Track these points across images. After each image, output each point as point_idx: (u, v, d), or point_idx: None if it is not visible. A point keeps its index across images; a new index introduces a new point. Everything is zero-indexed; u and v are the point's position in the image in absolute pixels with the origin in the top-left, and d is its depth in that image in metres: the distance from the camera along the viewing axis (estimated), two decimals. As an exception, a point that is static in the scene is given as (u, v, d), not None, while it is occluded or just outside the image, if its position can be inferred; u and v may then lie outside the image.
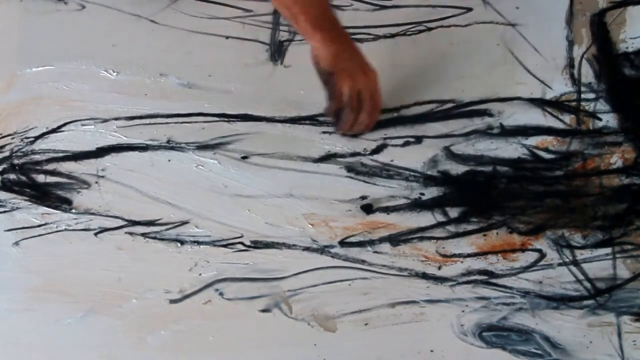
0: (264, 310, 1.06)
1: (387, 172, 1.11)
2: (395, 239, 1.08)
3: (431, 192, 1.10)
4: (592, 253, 1.05)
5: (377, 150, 1.13)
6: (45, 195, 1.15)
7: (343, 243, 1.08)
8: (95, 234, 1.12)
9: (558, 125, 1.12)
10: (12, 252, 1.12)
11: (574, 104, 1.12)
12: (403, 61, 1.18)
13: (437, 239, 1.08)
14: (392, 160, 1.12)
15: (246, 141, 1.15)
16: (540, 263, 1.05)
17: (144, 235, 1.11)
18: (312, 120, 1.15)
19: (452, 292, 1.05)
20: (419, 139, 1.13)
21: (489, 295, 1.04)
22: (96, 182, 1.14)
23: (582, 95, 1.13)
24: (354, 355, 1.04)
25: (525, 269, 1.05)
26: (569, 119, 1.12)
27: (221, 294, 1.07)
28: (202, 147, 1.15)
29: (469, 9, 1.20)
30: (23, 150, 1.18)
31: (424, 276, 1.06)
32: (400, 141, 1.13)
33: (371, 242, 1.08)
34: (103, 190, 1.14)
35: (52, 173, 1.16)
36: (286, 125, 1.15)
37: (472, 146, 1.12)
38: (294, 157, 1.13)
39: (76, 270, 1.10)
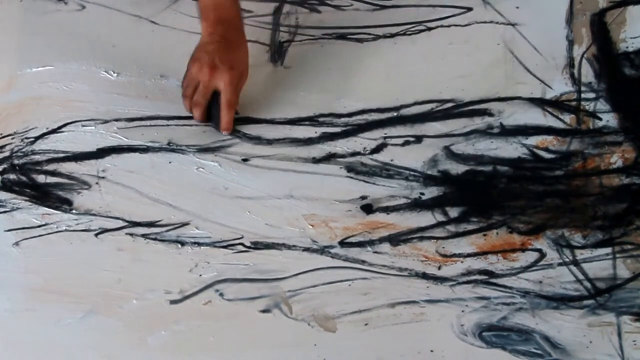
0: (264, 311, 1.06)
1: (387, 171, 1.11)
2: (395, 239, 1.08)
3: (431, 192, 1.10)
4: (592, 253, 1.05)
5: (377, 149, 1.13)
6: (45, 196, 1.15)
7: (343, 243, 1.08)
8: (96, 235, 1.12)
9: (558, 125, 1.12)
10: (12, 252, 1.12)
11: (574, 103, 1.13)
12: (403, 61, 1.18)
13: (437, 238, 1.08)
14: (392, 160, 1.12)
15: (246, 143, 1.15)
16: (540, 263, 1.05)
17: (144, 236, 1.11)
18: (312, 121, 1.15)
19: (452, 292, 1.05)
20: (419, 139, 1.13)
21: (489, 295, 1.04)
22: (97, 183, 1.15)
23: (582, 95, 1.13)
24: (354, 355, 1.03)
25: (525, 269, 1.05)
26: (569, 118, 1.12)
27: (221, 294, 1.07)
28: (203, 149, 1.15)
29: (469, 9, 1.20)
30: (23, 150, 1.18)
31: (424, 276, 1.06)
32: (400, 141, 1.13)
33: (371, 242, 1.08)
34: (104, 191, 1.14)
35: (53, 173, 1.16)
36: (286, 126, 1.15)
37: (472, 146, 1.12)
38: (294, 158, 1.13)
39: (76, 270, 1.10)
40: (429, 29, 1.20)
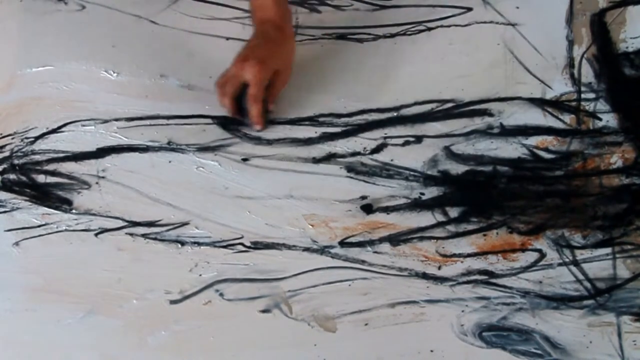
0: (264, 311, 1.06)
1: (387, 171, 1.11)
2: (395, 239, 1.08)
3: (431, 192, 1.10)
4: (592, 253, 1.05)
5: (377, 149, 1.13)
6: (45, 196, 1.15)
7: (343, 243, 1.08)
8: (96, 235, 1.12)
9: (558, 125, 1.12)
10: (12, 252, 1.12)
11: (574, 103, 1.13)
12: (403, 61, 1.18)
13: (437, 238, 1.08)
14: (392, 160, 1.12)
15: (246, 143, 1.15)
16: (540, 263, 1.05)
17: (144, 236, 1.11)
18: (312, 120, 1.15)
19: (452, 292, 1.05)
20: (419, 139, 1.13)
21: (489, 295, 1.04)
22: (97, 183, 1.15)
23: (582, 95, 1.13)
24: (354, 355, 1.04)
25: (525, 269, 1.05)
26: (569, 118, 1.12)
27: (221, 294, 1.07)
28: (203, 149, 1.15)
29: (469, 9, 1.20)
30: (23, 150, 1.18)
31: (424, 276, 1.06)
32: (400, 141, 1.13)
33: (371, 242, 1.08)
34: (103, 191, 1.14)
35: (53, 173, 1.16)
36: (286, 126, 1.15)
37: (472, 146, 1.12)
38: (294, 158, 1.13)
39: (76, 270, 1.10)
40: (429, 29, 1.20)
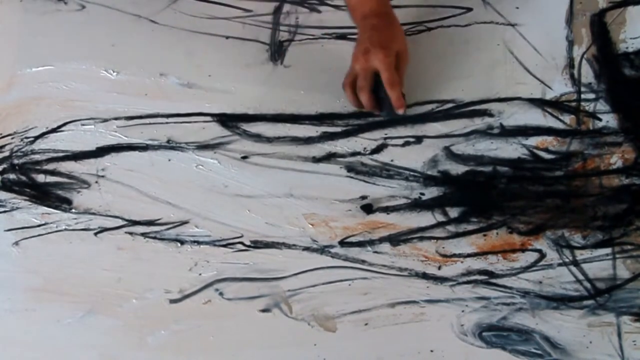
0: (264, 310, 1.06)
1: (387, 172, 1.11)
2: (395, 239, 1.08)
3: (431, 192, 1.10)
4: (592, 253, 1.05)
5: (377, 150, 1.13)
6: (45, 195, 1.15)
7: (343, 243, 1.08)
8: (95, 234, 1.12)
9: (558, 125, 1.12)
10: (12, 252, 1.12)
11: (574, 104, 1.12)
12: (403, 61, 1.18)
13: (437, 239, 1.08)
14: (392, 160, 1.12)
15: (246, 141, 1.15)
16: (540, 263, 1.05)
17: (144, 235, 1.11)
18: (312, 120, 1.15)
19: (452, 292, 1.05)
20: (419, 139, 1.13)
21: (489, 295, 1.04)
22: (96, 182, 1.14)
23: (582, 96, 1.13)
24: (354, 355, 1.04)
25: (525, 269, 1.05)
26: (569, 119, 1.12)
27: (221, 293, 1.07)
28: (202, 147, 1.15)
29: (469, 9, 1.20)
30: (23, 150, 1.18)
31: (424, 276, 1.06)
32: (400, 141, 1.13)
33: (371, 242, 1.08)
34: (103, 190, 1.14)
35: (52, 173, 1.16)
36: (286, 125, 1.15)
37: (472, 146, 1.12)
38: (294, 157, 1.13)
39: (76, 270, 1.10)
40: (429, 29, 1.20)
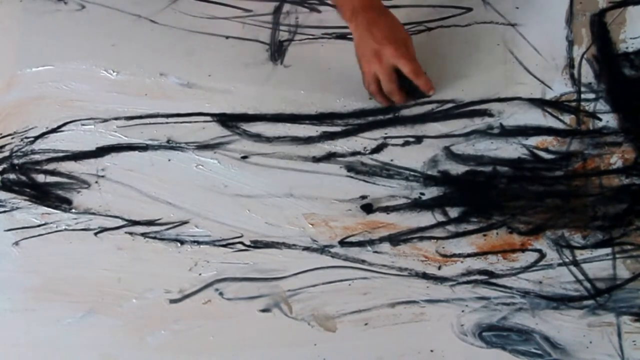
0: (264, 310, 1.06)
1: (387, 171, 1.11)
2: (395, 239, 1.08)
3: (431, 192, 1.10)
4: (592, 253, 1.05)
5: (377, 149, 1.13)
6: (45, 195, 1.15)
7: (343, 243, 1.08)
8: (95, 234, 1.12)
9: (558, 125, 1.12)
10: (12, 252, 1.12)
11: (574, 104, 1.12)
12: (403, 61, 1.18)
13: (437, 238, 1.08)
14: (392, 160, 1.12)
15: (246, 141, 1.15)
16: (540, 263, 1.05)
17: (143, 235, 1.11)
18: (312, 120, 1.15)
19: (452, 292, 1.05)
20: (419, 139, 1.13)
21: (489, 295, 1.04)
22: (96, 182, 1.15)
23: (582, 96, 1.13)
24: (354, 355, 1.04)
25: (525, 269, 1.05)
26: (569, 119, 1.12)
27: (221, 293, 1.07)
28: (202, 146, 1.15)
29: (469, 9, 1.20)
30: (23, 150, 1.18)
31: (424, 276, 1.06)
32: (400, 141, 1.13)
33: (371, 242, 1.08)
34: (103, 190, 1.14)
35: (52, 173, 1.16)
36: (286, 125, 1.15)
37: (472, 146, 1.12)
38: (294, 156, 1.13)
39: (76, 270, 1.10)
40: (429, 29, 1.20)
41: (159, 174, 1.14)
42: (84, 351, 1.07)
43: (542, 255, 1.05)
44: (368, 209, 1.09)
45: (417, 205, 1.09)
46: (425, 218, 1.09)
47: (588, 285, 1.03)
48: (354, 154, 1.13)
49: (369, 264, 1.07)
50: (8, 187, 1.16)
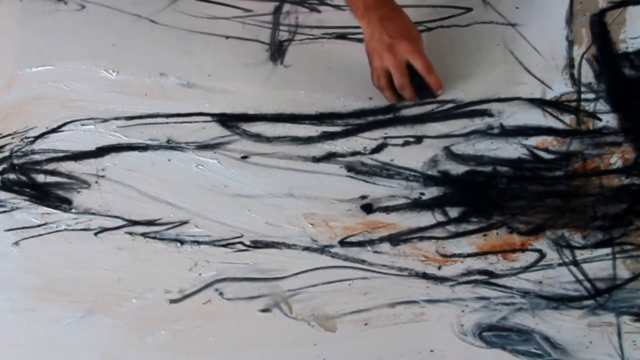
0: (264, 310, 1.06)
1: (387, 171, 1.11)
2: (395, 239, 1.08)
3: (431, 192, 1.10)
4: (592, 253, 1.05)
5: (377, 149, 1.13)
6: (45, 195, 1.15)
7: (343, 243, 1.08)
8: (95, 234, 1.12)
9: (558, 125, 1.12)
10: (12, 252, 1.12)
11: (574, 104, 1.12)
12: (403, 61, 1.18)
13: (437, 238, 1.08)
14: (392, 160, 1.12)
15: (246, 141, 1.15)
16: (540, 263, 1.05)
17: (143, 235, 1.11)
18: (312, 119, 1.15)
19: (452, 292, 1.05)
20: (419, 139, 1.13)
21: (489, 295, 1.04)
22: (96, 182, 1.15)
23: (582, 96, 1.13)
24: (354, 355, 1.04)
25: (525, 269, 1.05)
26: (569, 119, 1.12)
27: (221, 293, 1.07)
28: (202, 146, 1.15)
29: (469, 9, 1.20)
30: (23, 150, 1.18)
31: (424, 276, 1.06)
32: (400, 141, 1.13)
33: (371, 242, 1.08)
34: (103, 190, 1.14)
35: (52, 173, 1.16)
36: (286, 125, 1.15)
37: (472, 146, 1.12)
38: (294, 156, 1.13)
39: (76, 270, 1.10)
40: (429, 29, 1.20)
41: (159, 174, 1.14)
42: (84, 351, 1.07)
43: (542, 255, 1.05)
44: (368, 209, 1.09)
45: (417, 205, 1.09)
46: (425, 218, 1.09)
47: (588, 285, 1.03)
48: (354, 154, 1.13)
49: (369, 264, 1.07)
50: (8, 187, 1.16)
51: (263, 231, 1.09)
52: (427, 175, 1.11)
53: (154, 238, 1.10)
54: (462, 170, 1.11)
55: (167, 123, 1.17)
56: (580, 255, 1.05)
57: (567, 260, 1.04)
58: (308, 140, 1.14)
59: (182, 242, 1.10)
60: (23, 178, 1.16)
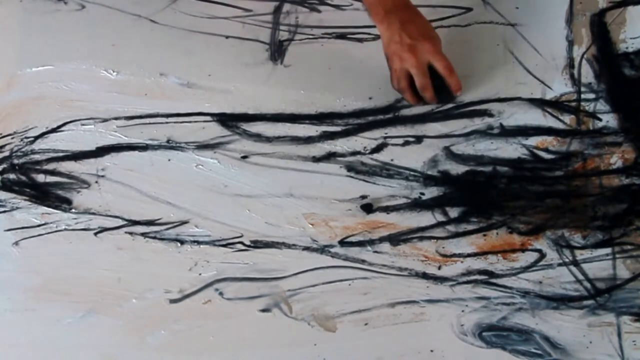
0: (263, 310, 1.06)
1: (387, 171, 1.11)
2: (395, 239, 1.08)
3: (431, 192, 1.10)
4: (592, 253, 1.04)
5: (377, 149, 1.13)
6: (45, 195, 1.15)
7: (343, 243, 1.08)
8: (95, 234, 1.12)
9: (558, 125, 1.12)
10: (12, 252, 1.12)
11: (574, 104, 1.12)
12: (403, 61, 1.18)
13: (437, 238, 1.08)
14: (392, 160, 1.12)
15: (246, 141, 1.15)
16: (540, 263, 1.05)
17: (143, 235, 1.11)
18: (312, 119, 1.15)
19: (452, 292, 1.05)
20: (419, 139, 1.13)
21: (489, 295, 1.04)
22: (96, 182, 1.15)
23: (582, 96, 1.13)
24: (354, 355, 1.03)
25: (525, 269, 1.05)
26: (569, 119, 1.12)
27: (221, 293, 1.07)
28: (202, 146, 1.15)
29: (469, 9, 1.20)
30: (23, 150, 1.18)
31: (424, 276, 1.06)
32: (400, 141, 1.13)
33: (371, 242, 1.08)
34: (103, 190, 1.14)
35: (52, 173, 1.16)
36: (286, 124, 1.15)
37: (472, 146, 1.12)
38: (294, 156, 1.13)
39: (76, 270, 1.10)
40: (429, 29, 1.20)
41: (159, 174, 1.14)
42: (84, 351, 1.07)
43: (542, 255, 1.05)
44: (368, 208, 1.09)
45: (417, 205, 1.09)
46: (425, 218, 1.09)
47: (588, 285, 1.03)
48: (354, 153, 1.13)
49: (369, 263, 1.07)
50: (8, 187, 1.16)
51: (263, 231, 1.09)
52: (427, 175, 1.11)
53: (154, 238, 1.10)
54: (462, 170, 1.11)
55: (167, 123, 1.17)
56: (580, 255, 1.05)
57: (567, 260, 1.04)
58: (308, 140, 1.14)
59: (182, 242, 1.10)
60: (23, 178, 1.16)
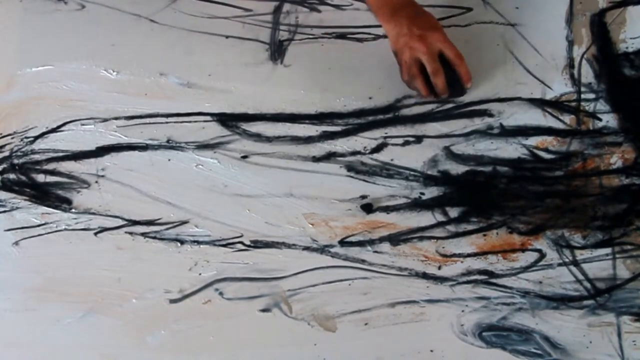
0: (263, 310, 1.06)
1: (387, 171, 1.11)
2: (395, 239, 1.08)
3: (431, 192, 1.10)
4: (592, 253, 1.05)
5: (377, 149, 1.13)
6: (45, 195, 1.15)
7: (343, 243, 1.08)
8: (95, 234, 1.12)
9: (558, 125, 1.12)
10: (12, 252, 1.12)
11: (574, 104, 1.12)
12: (403, 61, 1.18)
13: (437, 238, 1.08)
14: (392, 160, 1.12)
15: (246, 140, 1.15)
16: (540, 263, 1.05)
17: (143, 235, 1.11)
18: (312, 119, 1.15)
19: (452, 292, 1.05)
20: (419, 139, 1.13)
21: (489, 295, 1.04)
22: (96, 182, 1.15)
23: (582, 96, 1.13)
24: (354, 355, 1.04)
25: (525, 269, 1.05)
26: (569, 119, 1.12)
27: (221, 293, 1.07)
28: (202, 146, 1.15)
29: (469, 9, 1.20)
30: (23, 150, 1.18)
31: (424, 276, 1.06)
32: (400, 140, 1.13)
33: (371, 242, 1.08)
34: (103, 189, 1.14)
35: (52, 173, 1.16)
36: (286, 124, 1.15)
37: (472, 146, 1.12)
38: (294, 156, 1.13)
39: (76, 270, 1.10)
40: (429, 29, 1.20)
41: (159, 174, 1.14)
42: (84, 351, 1.07)
43: (542, 255, 1.05)
44: (368, 208, 1.09)
45: (417, 205, 1.09)
46: (425, 218, 1.09)
47: (588, 285, 1.03)
48: (354, 153, 1.13)
49: (369, 263, 1.07)
50: (8, 187, 1.16)
51: (263, 231, 1.09)
52: (427, 175, 1.11)
53: (154, 238, 1.10)
54: (462, 170, 1.11)
55: (167, 123, 1.17)
56: (580, 255, 1.05)
57: (567, 260, 1.04)
58: (308, 140, 1.14)
59: (182, 242, 1.10)
60: (23, 178, 1.16)
